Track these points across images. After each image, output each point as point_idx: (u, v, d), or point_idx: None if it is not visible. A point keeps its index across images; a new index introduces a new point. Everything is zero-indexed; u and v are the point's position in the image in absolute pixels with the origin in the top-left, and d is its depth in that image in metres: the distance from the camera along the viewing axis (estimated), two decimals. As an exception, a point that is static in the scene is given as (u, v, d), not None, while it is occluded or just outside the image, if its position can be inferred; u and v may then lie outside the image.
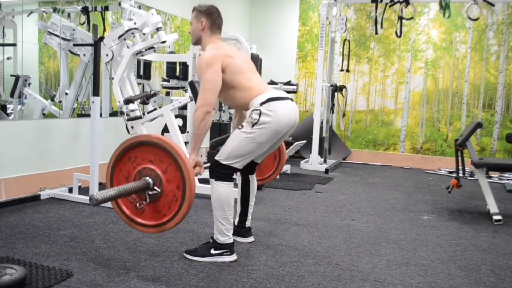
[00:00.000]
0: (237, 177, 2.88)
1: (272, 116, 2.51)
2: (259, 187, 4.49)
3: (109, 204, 3.56)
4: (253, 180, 2.90)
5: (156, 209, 2.32)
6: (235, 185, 2.85)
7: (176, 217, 2.27)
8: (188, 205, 2.24)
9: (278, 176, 5.19)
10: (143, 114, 3.62)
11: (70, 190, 3.83)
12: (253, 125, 2.51)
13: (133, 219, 2.37)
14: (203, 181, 3.72)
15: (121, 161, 2.39)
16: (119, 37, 3.59)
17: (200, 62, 2.54)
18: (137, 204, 2.33)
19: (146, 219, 2.35)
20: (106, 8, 4.59)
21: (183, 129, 4.19)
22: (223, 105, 5.20)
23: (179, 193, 2.26)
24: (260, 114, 2.50)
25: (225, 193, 2.55)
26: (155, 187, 2.29)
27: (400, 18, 5.75)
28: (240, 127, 2.56)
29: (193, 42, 2.78)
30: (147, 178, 2.30)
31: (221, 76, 2.53)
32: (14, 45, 3.73)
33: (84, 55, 4.26)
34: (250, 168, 2.80)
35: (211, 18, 2.66)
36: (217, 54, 2.55)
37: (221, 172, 2.55)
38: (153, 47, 3.72)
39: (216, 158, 2.57)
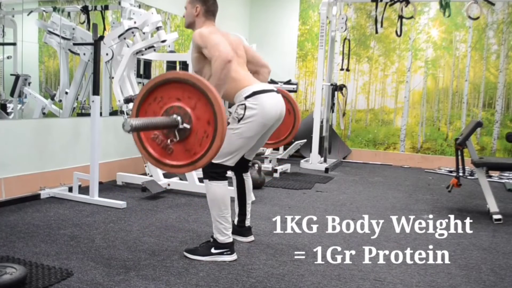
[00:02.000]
0: (232, 176, 2.88)
1: (257, 109, 2.50)
2: (259, 186, 4.50)
3: (109, 204, 3.57)
4: (248, 178, 2.89)
5: (186, 148, 2.25)
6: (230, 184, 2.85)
7: (208, 153, 2.19)
8: (220, 139, 2.17)
9: (277, 174, 5.21)
10: (143, 113, 3.61)
11: (70, 189, 3.83)
12: (239, 121, 2.51)
13: (162, 162, 2.30)
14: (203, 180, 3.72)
15: (146, 102, 2.31)
16: (119, 36, 3.59)
17: (199, 35, 2.48)
18: (168, 141, 2.25)
19: (176, 159, 2.28)
20: (106, 7, 4.59)
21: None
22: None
23: (210, 129, 2.18)
24: (245, 108, 2.50)
25: (220, 192, 2.54)
26: (185, 124, 2.21)
27: (400, 17, 5.75)
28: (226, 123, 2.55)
29: (186, 25, 2.76)
30: (175, 116, 2.23)
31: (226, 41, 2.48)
32: (14, 44, 3.73)
33: (84, 54, 4.26)
34: (243, 166, 2.81)
35: (206, 4, 2.66)
36: (213, 30, 2.56)
37: (213, 171, 2.55)
38: (153, 46, 3.73)
39: None
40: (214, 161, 2.53)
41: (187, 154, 2.26)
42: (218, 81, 2.38)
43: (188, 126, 2.22)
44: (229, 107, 5.39)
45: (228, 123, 2.53)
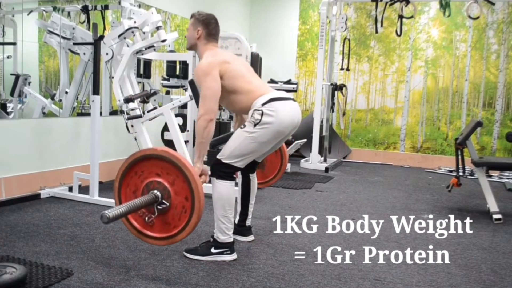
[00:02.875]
0: (238, 176, 2.89)
1: (274, 117, 2.51)
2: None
3: (109, 203, 3.57)
4: (254, 179, 2.90)
5: (166, 221, 2.34)
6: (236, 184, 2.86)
7: (187, 228, 2.28)
8: (197, 215, 2.26)
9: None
10: (143, 113, 3.62)
11: (70, 189, 3.83)
12: (255, 125, 2.51)
13: (143, 233, 2.40)
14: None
15: (128, 176, 2.41)
16: (119, 36, 3.58)
17: (198, 71, 2.54)
18: (146, 218, 2.34)
19: (156, 231, 2.37)
20: (106, 7, 4.59)
21: (183, 128, 4.18)
22: (223, 107, 5.19)
23: (188, 204, 2.27)
24: (262, 114, 2.50)
25: (226, 192, 2.55)
26: (164, 201, 2.31)
27: (400, 16, 5.75)
28: (242, 126, 2.56)
29: (187, 47, 2.79)
30: (155, 191, 2.32)
31: (219, 83, 2.53)
32: (14, 44, 3.73)
33: (84, 54, 4.26)
34: (251, 167, 2.81)
35: (208, 28, 2.67)
36: (214, 62, 2.55)
37: (222, 170, 2.56)
38: (153, 46, 3.72)
39: (218, 157, 2.58)
40: (224, 160, 2.55)
41: (166, 227, 2.35)
42: (201, 139, 2.48)
43: (167, 204, 2.32)
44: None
45: (245, 126, 2.54)
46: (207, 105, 2.48)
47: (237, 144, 2.54)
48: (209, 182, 2.62)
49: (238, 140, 2.54)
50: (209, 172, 2.62)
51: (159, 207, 2.32)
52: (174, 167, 2.28)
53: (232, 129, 4.65)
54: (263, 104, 2.52)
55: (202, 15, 2.68)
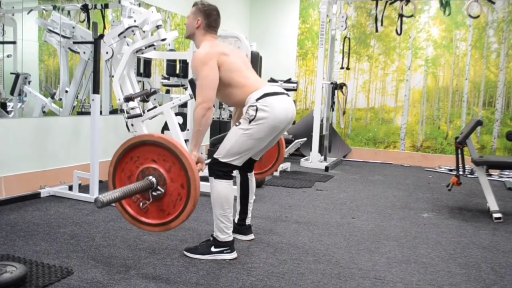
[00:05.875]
0: (236, 175, 2.88)
1: (268, 112, 2.50)
2: (259, 185, 4.50)
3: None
4: (252, 177, 2.90)
5: (161, 208, 2.32)
6: (234, 183, 2.85)
7: (181, 216, 2.26)
8: (193, 203, 2.24)
9: (277, 172, 5.22)
10: (143, 112, 3.62)
11: (70, 188, 3.83)
12: (250, 121, 2.51)
13: (137, 219, 2.37)
14: (203, 178, 3.71)
15: (123, 161, 2.38)
16: (119, 35, 3.58)
17: (195, 60, 2.52)
18: (141, 204, 2.33)
19: (150, 218, 2.34)
20: (106, 6, 4.59)
21: (183, 127, 4.18)
22: (223, 103, 5.20)
23: (183, 192, 2.25)
24: (256, 110, 2.50)
25: (225, 191, 2.55)
26: (159, 187, 2.29)
27: (401, 15, 5.74)
28: (237, 124, 2.56)
29: (186, 36, 2.77)
30: (151, 177, 2.29)
31: (217, 72, 2.51)
32: (14, 43, 3.73)
33: (84, 53, 4.26)
34: (248, 165, 2.80)
35: (208, 19, 2.65)
36: (211, 52, 2.54)
37: (220, 170, 2.55)
38: (153, 45, 3.72)
39: (215, 156, 2.57)
40: (221, 159, 2.54)
41: (161, 214, 2.33)
42: (199, 127, 2.46)
43: (162, 190, 2.29)
44: (229, 106, 5.39)
45: (239, 123, 2.54)
46: (205, 93, 2.46)
47: (233, 142, 2.53)
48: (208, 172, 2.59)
49: (234, 138, 2.53)
50: (206, 161, 2.59)
51: (154, 193, 2.29)
52: (171, 154, 2.25)
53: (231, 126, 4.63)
54: (257, 100, 2.51)
55: (205, 5, 2.66)
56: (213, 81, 2.49)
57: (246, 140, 2.52)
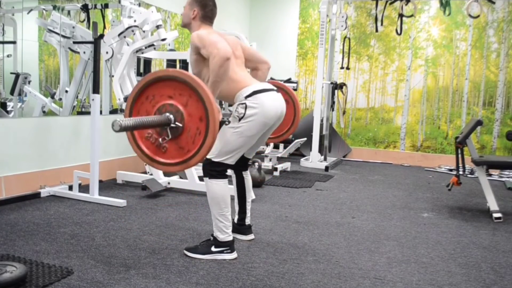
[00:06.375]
0: (232, 175, 2.88)
1: (258, 109, 2.50)
2: (259, 185, 4.50)
3: (109, 202, 3.57)
4: (248, 176, 2.90)
5: (179, 146, 2.26)
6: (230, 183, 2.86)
7: (201, 151, 2.20)
8: (212, 136, 2.17)
9: (277, 172, 5.21)
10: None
11: (70, 188, 3.83)
12: (239, 119, 2.50)
13: (155, 160, 2.32)
14: (200, 178, 3.71)
15: (138, 101, 2.32)
16: (119, 35, 3.59)
17: (196, 37, 2.48)
18: (160, 140, 2.27)
19: (169, 157, 2.29)
20: (106, 6, 4.59)
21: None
22: (223, 103, 5.20)
23: (202, 126, 2.19)
24: (245, 107, 2.49)
25: (220, 190, 2.55)
26: (177, 123, 2.22)
27: (401, 15, 5.74)
28: (227, 122, 2.55)
29: (182, 25, 2.76)
30: (168, 114, 2.24)
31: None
32: (14, 42, 3.73)
33: (84, 52, 4.26)
34: (242, 164, 2.81)
35: (204, 10, 2.65)
36: (212, 32, 2.55)
37: (214, 169, 2.55)
38: (153, 45, 3.72)
39: (208, 156, 2.55)
40: (214, 159, 2.53)
41: (180, 151, 2.27)
42: (216, 78, 2.38)
43: (180, 125, 2.23)
44: (229, 106, 5.39)
45: (229, 122, 2.53)
46: (220, 46, 2.37)
47: (224, 141, 2.53)
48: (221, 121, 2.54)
49: (225, 137, 2.53)
50: (221, 114, 2.52)
51: (173, 126, 2.22)
52: (188, 86, 2.19)
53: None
54: (246, 97, 2.51)
55: None
56: (223, 41, 2.44)
57: (237, 138, 2.52)
